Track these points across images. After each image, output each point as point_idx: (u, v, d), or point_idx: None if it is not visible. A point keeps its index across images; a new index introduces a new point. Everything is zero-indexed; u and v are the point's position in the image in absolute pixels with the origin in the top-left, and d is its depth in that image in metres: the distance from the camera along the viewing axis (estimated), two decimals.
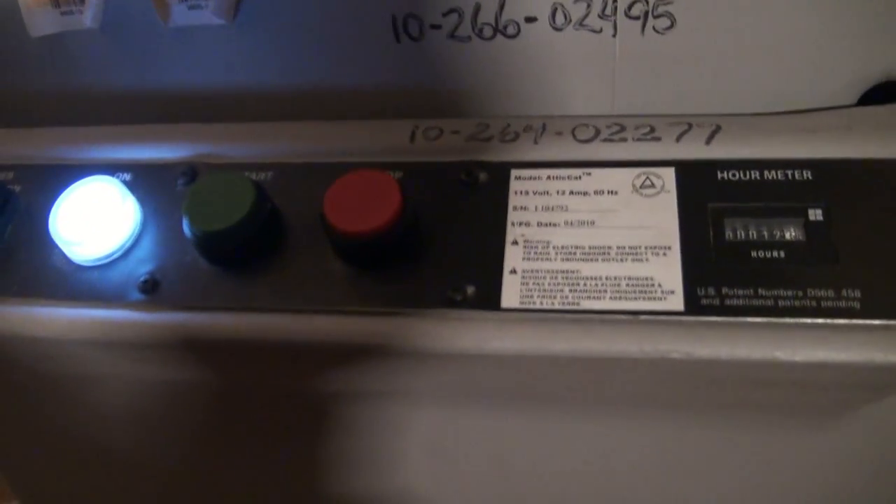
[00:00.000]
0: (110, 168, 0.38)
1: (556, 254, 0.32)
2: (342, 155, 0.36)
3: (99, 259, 0.36)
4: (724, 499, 0.41)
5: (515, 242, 0.32)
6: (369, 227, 0.32)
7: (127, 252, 0.36)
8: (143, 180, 0.37)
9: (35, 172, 0.39)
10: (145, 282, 0.35)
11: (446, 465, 0.42)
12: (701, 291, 0.31)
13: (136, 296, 0.35)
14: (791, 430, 0.36)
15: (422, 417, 0.38)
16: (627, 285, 0.31)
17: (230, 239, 0.33)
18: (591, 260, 0.32)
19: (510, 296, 0.31)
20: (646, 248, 0.32)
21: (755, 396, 0.33)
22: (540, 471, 0.41)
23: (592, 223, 0.32)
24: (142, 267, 0.35)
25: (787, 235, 0.31)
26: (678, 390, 0.34)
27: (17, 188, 0.38)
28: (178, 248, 0.35)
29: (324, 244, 0.34)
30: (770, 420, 0.36)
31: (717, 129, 0.34)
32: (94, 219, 0.36)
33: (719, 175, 0.33)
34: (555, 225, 0.33)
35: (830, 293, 0.30)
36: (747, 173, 0.33)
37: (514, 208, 0.33)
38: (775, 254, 0.31)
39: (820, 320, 0.29)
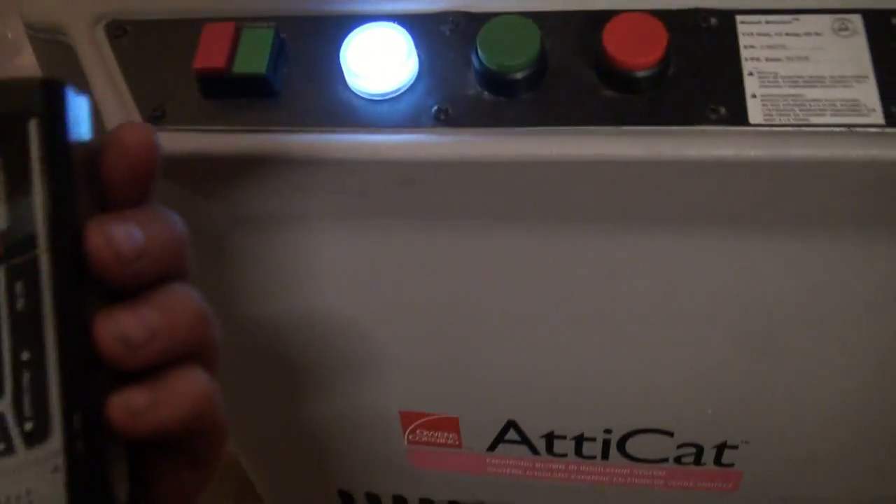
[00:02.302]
0: (374, 18, 0.44)
1: (784, 82, 0.41)
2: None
3: (388, 93, 0.42)
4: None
5: (751, 73, 0.41)
6: (644, 60, 0.40)
7: (412, 87, 0.43)
8: (409, 29, 0.44)
9: (296, 24, 0.44)
10: (439, 110, 0.42)
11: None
12: (893, 109, 0.41)
13: (431, 122, 0.42)
14: None
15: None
16: (841, 105, 0.41)
17: (519, 74, 0.41)
18: (812, 86, 0.41)
19: (755, 114, 0.41)
20: (850, 77, 0.41)
21: None
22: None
23: (807, 58, 0.42)
24: (429, 99, 0.42)
25: None
26: (853, 198, 0.44)
27: (283, 36, 0.44)
28: (461, 83, 0.42)
29: (586, 76, 0.42)
30: None
31: None
32: (382, 55, 0.42)
33: (893, 20, 0.43)
34: (778, 60, 0.42)
35: None
36: None
37: (745, 47, 0.42)
38: None
39: None
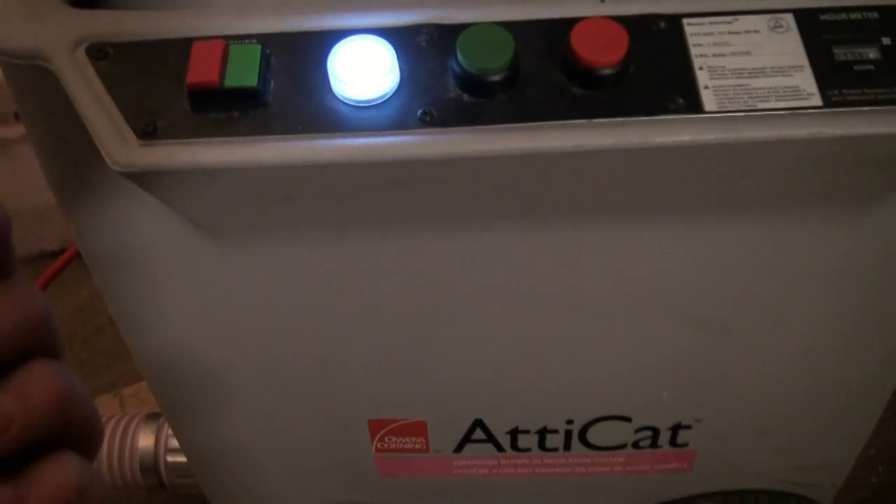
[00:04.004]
0: (351, 32, 0.47)
1: (731, 74, 0.46)
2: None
3: (374, 99, 0.45)
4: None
5: (701, 68, 0.46)
6: (609, 59, 0.44)
7: (396, 93, 0.46)
8: (388, 40, 0.47)
9: (277, 40, 0.47)
10: (424, 113, 0.45)
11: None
12: (830, 93, 0.46)
13: (418, 124, 0.45)
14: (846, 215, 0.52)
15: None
16: (784, 92, 0.46)
17: (497, 76, 0.45)
18: (755, 77, 0.46)
19: (709, 103, 0.45)
20: (788, 67, 0.46)
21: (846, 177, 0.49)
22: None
23: (749, 53, 0.47)
24: (413, 104, 0.46)
25: (871, 55, 0.47)
26: (795, 179, 0.49)
27: (268, 51, 0.47)
28: (441, 88, 0.46)
29: (555, 76, 0.46)
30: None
31: None
32: (367, 63, 0.45)
33: (821, 17, 0.48)
34: (724, 55, 0.47)
35: None
36: (838, 15, 0.48)
37: (693, 45, 0.47)
38: (868, 67, 0.47)
39: None
